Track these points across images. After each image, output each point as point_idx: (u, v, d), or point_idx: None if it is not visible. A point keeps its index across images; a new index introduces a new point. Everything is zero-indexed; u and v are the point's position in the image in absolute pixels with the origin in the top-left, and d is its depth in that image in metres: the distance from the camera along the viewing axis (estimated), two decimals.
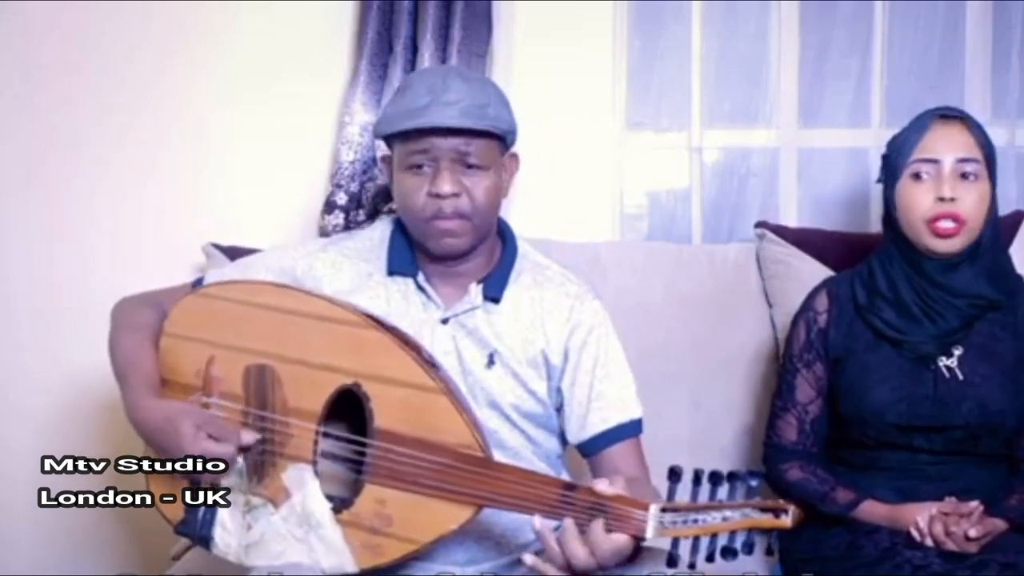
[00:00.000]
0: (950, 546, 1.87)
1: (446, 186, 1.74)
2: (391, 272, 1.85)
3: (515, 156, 1.86)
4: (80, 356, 2.61)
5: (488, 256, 1.87)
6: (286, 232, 2.57)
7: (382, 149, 1.99)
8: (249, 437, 1.70)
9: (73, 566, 2.63)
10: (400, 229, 1.87)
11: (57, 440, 2.67)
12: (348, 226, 2.53)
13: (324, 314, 1.73)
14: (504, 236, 1.90)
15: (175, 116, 2.64)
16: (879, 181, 2.12)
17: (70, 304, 2.64)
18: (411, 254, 1.85)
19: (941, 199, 1.98)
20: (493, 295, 1.83)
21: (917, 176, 2.01)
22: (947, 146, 2.01)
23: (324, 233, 2.54)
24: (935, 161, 2.00)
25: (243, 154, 2.65)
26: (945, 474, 2.01)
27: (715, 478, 1.47)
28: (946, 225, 1.98)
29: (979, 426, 2.00)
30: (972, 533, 1.86)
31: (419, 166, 1.76)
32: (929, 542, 1.89)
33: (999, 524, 1.92)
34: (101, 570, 2.60)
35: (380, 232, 1.91)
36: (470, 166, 1.76)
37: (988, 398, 2.00)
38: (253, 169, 2.65)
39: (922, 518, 1.90)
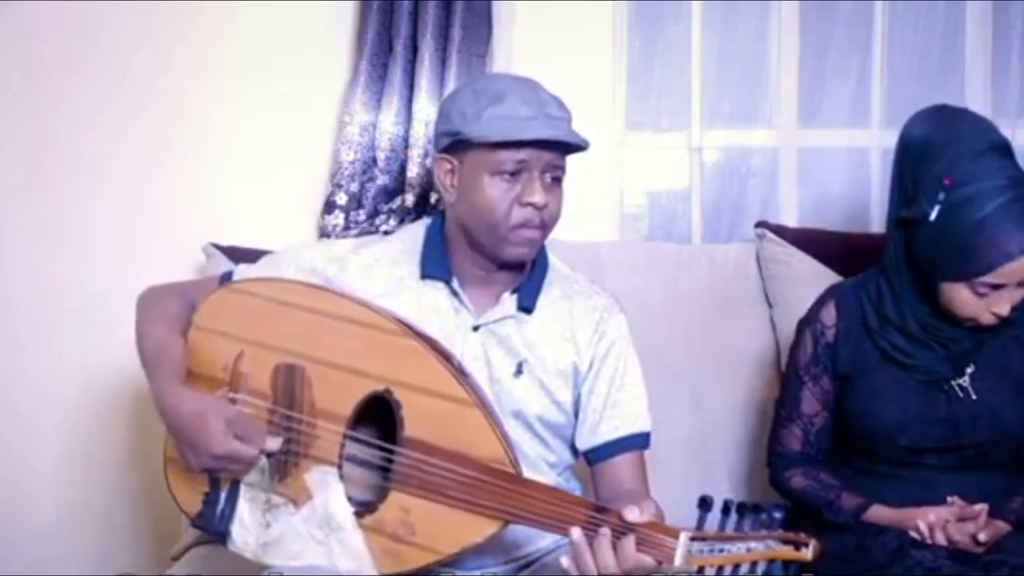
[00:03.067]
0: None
1: (539, 197, 1.76)
2: (424, 276, 1.84)
3: None
4: (80, 356, 2.61)
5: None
6: (286, 232, 2.56)
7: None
8: (274, 443, 1.69)
9: (73, 566, 2.63)
10: (436, 233, 1.87)
11: (58, 440, 2.67)
12: (348, 226, 2.53)
13: (358, 318, 1.73)
14: None
15: (175, 116, 2.64)
16: (920, 217, 1.92)
17: (70, 304, 2.64)
18: (446, 258, 1.85)
19: (995, 313, 1.92)
20: (527, 305, 1.84)
21: (976, 290, 1.90)
22: (1016, 277, 1.89)
23: (324, 233, 2.55)
24: (1001, 286, 1.90)
25: (243, 154, 2.65)
26: (953, 482, 1.99)
27: (742, 509, 1.49)
28: (992, 326, 1.95)
29: (991, 441, 1.99)
30: (982, 538, 1.86)
31: (512, 173, 1.76)
32: (930, 541, 1.89)
33: (1003, 526, 1.92)
34: (101, 570, 2.60)
35: (412, 235, 1.90)
36: (555, 179, 1.79)
37: (1000, 412, 1.99)
38: (253, 169, 2.65)
39: (922, 521, 1.90)
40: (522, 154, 1.75)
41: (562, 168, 1.80)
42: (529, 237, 1.78)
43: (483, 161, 1.76)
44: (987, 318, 1.92)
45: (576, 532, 1.54)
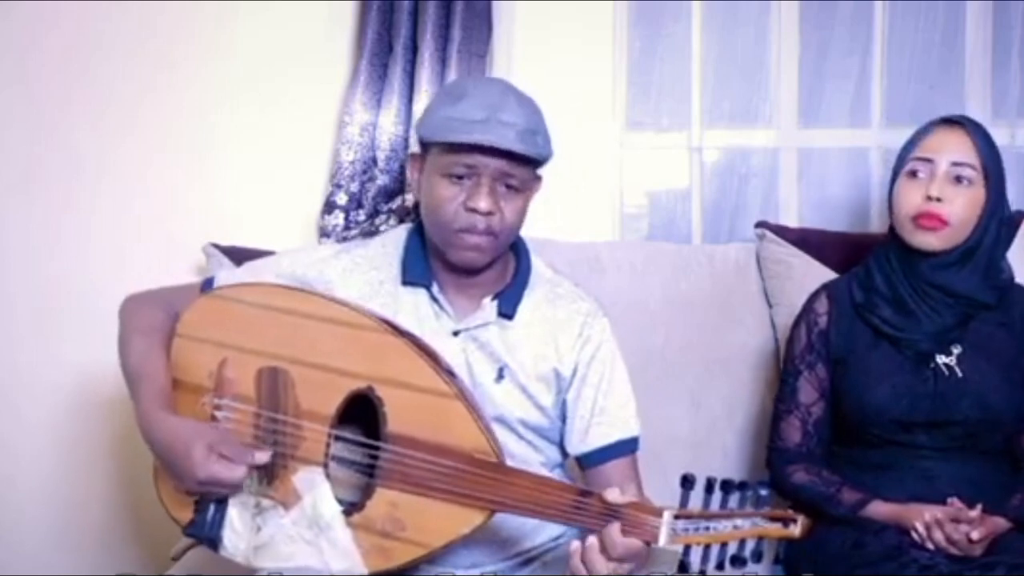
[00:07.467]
0: (953, 551, 1.88)
1: (484, 203, 1.73)
2: (405, 282, 1.84)
3: (539, 178, 1.85)
4: (80, 356, 2.61)
5: (502, 269, 1.86)
6: (286, 232, 2.57)
7: (412, 146, 1.98)
8: (263, 456, 1.69)
9: (73, 566, 2.63)
10: (416, 238, 1.86)
11: (57, 440, 2.67)
12: (348, 226, 2.53)
13: (339, 318, 1.73)
14: (518, 251, 1.90)
15: (175, 116, 2.64)
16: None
17: (70, 304, 2.63)
18: (426, 264, 1.84)
19: (929, 198, 2.03)
20: (507, 311, 1.83)
21: (912, 174, 2.06)
22: (943, 147, 2.05)
23: (324, 233, 2.55)
24: (930, 160, 2.05)
25: (243, 154, 2.65)
26: (949, 471, 2.02)
27: (727, 487, 1.49)
28: (928, 222, 2.03)
29: (978, 422, 2.02)
30: (975, 536, 1.87)
31: (459, 176, 1.74)
32: (930, 546, 1.90)
33: (1001, 523, 1.93)
34: (101, 570, 2.60)
35: (394, 241, 1.89)
36: (509, 187, 1.76)
37: (987, 394, 2.03)
38: (253, 169, 2.65)
39: (920, 523, 1.91)
40: (469, 159, 1.73)
41: (517, 177, 1.76)
42: (473, 243, 1.76)
43: (437, 162, 1.77)
44: (926, 206, 2.02)
45: (575, 544, 1.55)
